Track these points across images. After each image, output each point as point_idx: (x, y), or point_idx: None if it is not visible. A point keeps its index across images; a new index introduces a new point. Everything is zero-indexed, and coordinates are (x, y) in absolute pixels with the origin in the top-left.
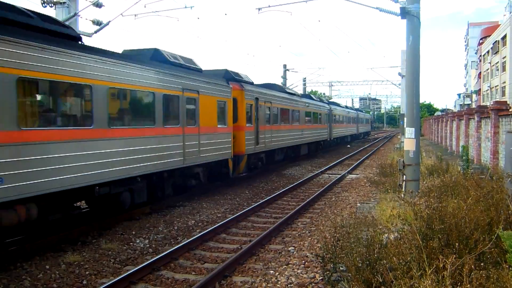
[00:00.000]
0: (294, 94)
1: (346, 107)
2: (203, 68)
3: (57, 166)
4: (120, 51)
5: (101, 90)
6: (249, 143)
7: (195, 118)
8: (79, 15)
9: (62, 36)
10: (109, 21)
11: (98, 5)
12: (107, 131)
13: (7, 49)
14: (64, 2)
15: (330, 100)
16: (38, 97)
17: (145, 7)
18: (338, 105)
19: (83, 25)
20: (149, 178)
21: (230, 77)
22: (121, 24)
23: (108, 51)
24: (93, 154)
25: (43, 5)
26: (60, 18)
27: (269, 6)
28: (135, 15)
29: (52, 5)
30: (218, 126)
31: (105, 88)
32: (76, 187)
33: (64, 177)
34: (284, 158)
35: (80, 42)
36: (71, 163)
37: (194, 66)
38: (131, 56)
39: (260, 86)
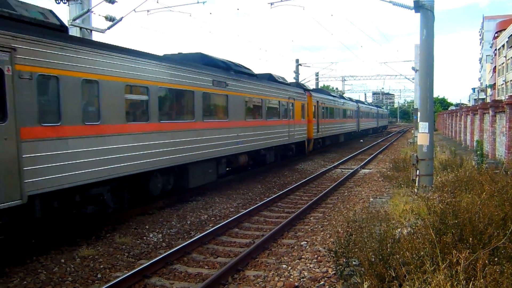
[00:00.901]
0: (335, 96)
1: (369, 104)
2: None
3: (251, 138)
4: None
5: (264, 101)
6: (314, 131)
7: (293, 114)
8: (92, 11)
9: (249, 74)
10: (122, 17)
11: (111, 1)
12: (266, 121)
13: (239, 84)
14: None
15: (354, 99)
16: (250, 106)
17: (157, 2)
18: (363, 103)
19: (96, 21)
20: (274, 148)
21: (300, 87)
22: (134, 19)
23: (259, 75)
24: (261, 133)
25: (57, 1)
26: (73, 14)
27: (281, 1)
28: (148, 11)
29: (66, 1)
30: (301, 119)
31: (264, 100)
32: (256, 149)
33: (254, 143)
34: (331, 143)
35: (255, 76)
36: (256, 137)
37: (287, 82)
38: (262, 79)
39: (314, 91)
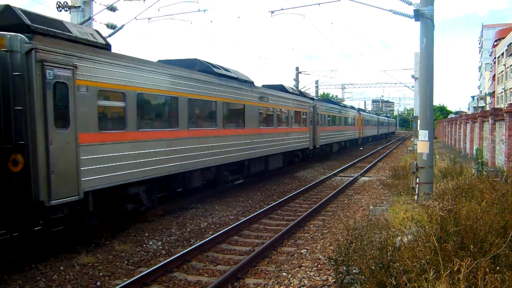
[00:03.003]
0: (368, 112)
1: (386, 115)
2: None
3: (343, 135)
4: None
5: (348, 118)
6: (361, 133)
7: (354, 123)
8: (93, 19)
9: (347, 106)
10: (123, 25)
11: (112, 9)
12: (349, 127)
13: (344, 111)
14: (78, 6)
15: (373, 111)
16: (345, 120)
17: (158, 10)
18: (379, 114)
19: (97, 29)
20: (349, 141)
21: (354, 108)
22: (135, 27)
23: (341, 104)
24: (347, 132)
25: (58, 9)
26: (75, 22)
27: (282, 9)
28: (149, 19)
29: (67, 9)
30: (356, 126)
31: (349, 117)
32: (345, 140)
33: (345, 138)
34: (366, 142)
35: (345, 106)
36: (345, 134)
37: (349, 106)
38: (344, 107)
39: (360, 110)
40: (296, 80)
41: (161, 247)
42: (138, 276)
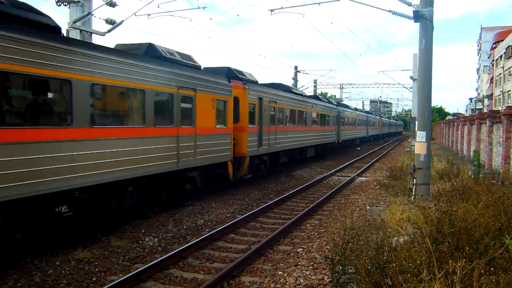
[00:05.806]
0: (385, 117)
1: (394, 118)
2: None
3: (374, 132)
4: None
5: (378, 122)
6: (382, 131)
7: (379, 125)
8: (92, 14)
9: (370, 113)
10: (122, 21)
11: (112, 4)
12: (376, 127)
13: (377, 118)
14: (78, 1)
15: (385, 115)
16: (375, 124)
17: (158, 7)
18: (390, 119)
19: (96, 24)
20: (375, 135)
21: (378, 114)
22: (135, 23)
23: (373, 114)
24: (375, 130)
25: (57, 3)
26: (74, 17)
27: (282, 8)
28: (148, 15)
29: (67, 3)
30: (379, 127)
31: (378, 121)
32: (376, 134)
33: (376, 133)
34: (383, 137)
35: (369, 112)
36: (376, 131)
37: (374, 113)
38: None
39: (381, 115)
40: (295, 79)
41: (157, 244)
42: (134, 272)
